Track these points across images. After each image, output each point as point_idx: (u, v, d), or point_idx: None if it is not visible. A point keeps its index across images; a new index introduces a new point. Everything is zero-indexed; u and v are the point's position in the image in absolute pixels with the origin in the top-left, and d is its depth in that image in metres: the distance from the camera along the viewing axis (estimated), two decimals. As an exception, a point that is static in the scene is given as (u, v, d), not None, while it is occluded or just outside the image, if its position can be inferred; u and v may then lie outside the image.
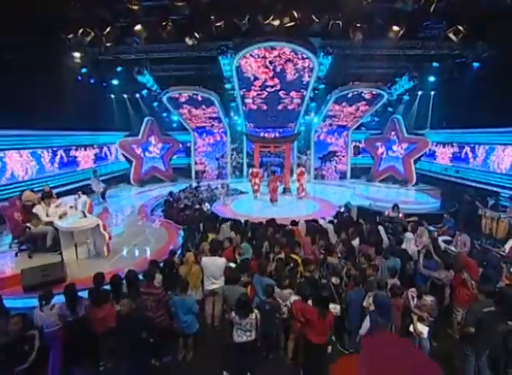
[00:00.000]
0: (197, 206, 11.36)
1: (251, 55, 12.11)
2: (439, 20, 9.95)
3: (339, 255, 6.71)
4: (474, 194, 12.97)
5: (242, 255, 6.55)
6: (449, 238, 9.11)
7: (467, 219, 11.13)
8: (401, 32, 9.68)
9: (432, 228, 10.00)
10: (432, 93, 16.89)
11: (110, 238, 7.72)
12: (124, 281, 5.16)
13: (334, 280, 5.36)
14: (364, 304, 5.12)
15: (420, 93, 17.14)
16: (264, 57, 12.17)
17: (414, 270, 6.65)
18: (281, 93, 15.33)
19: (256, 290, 5.43)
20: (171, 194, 13.45)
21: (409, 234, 7.52)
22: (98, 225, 7.56)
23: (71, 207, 8.53)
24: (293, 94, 15.40)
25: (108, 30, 9.61)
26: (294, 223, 8.25)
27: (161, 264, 6.05)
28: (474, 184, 13.66)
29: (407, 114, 17.62)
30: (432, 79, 15.05)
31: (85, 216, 7.61)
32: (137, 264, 7.02)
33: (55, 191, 11.18)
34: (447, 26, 9.95)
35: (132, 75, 13.79)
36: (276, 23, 9.42)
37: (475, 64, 13.16)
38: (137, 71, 12.99)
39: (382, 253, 6.40)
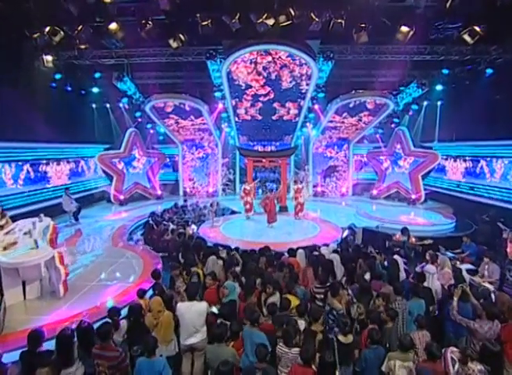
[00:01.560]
0: (182, 230, 10.19)
1: (243, 60, 11.27)
2: (454, 20, 9.20)
3: (349, 295, 5.58)
4: (494, 214, 12.05)
5: (226, 296, 5.40)
6: (472, 267, 8.13)
7: (487, 242, 10.16)
8: (411, 33, 8.89)
9: (449, 254, 8.98)
10: (439, 103, 16.19)
11: (67, 274, 6.53)
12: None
13: (342, 338, 4.22)
14: (384, 368, 4.00)
15: (425, 103, 16.40)
16: (257, 62, 11.33)
17: (441, 315, 5.55)
18: (276, 104, 14.53)
19: (244, 346, 4.28)
20: (153, 214, 12.30)
21: (431, 268, 6.42)
22: (53, 257, 6.38)
23: (25, 234, 7.32)
24: (289, 104, 14.61)
25: (79, 28, 8.69)
26: (292, 252, 7.14)
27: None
28: (492, 202, 12.70)
29: (412, 126, 16.82)
30: (439, 87, 14.34)
31: (37, 247, 6.42)
32: (97, 310, 5.80)
33: (15, 213, 10.06)
34: (462, 27, 9.19)
35: (113, 82, 12.93)
36: (270, 21, 8.59)
37: (488, 70, 12.46)
38: (117, 77, 12.07)
39: (403, 293, 5.31)
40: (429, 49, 12.33)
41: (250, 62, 11.40)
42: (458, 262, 8.10)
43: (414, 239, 9.64)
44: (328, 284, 5.58)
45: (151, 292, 5.94)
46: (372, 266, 6.33)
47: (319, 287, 5.58)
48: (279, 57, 11.15)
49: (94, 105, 17.15)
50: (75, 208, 12.35)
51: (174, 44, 10.27)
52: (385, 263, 7.15)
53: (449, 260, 7.33)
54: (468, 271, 7.38)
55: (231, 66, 11.61)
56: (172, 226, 10.70)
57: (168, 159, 19.25)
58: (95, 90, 14.79)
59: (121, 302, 5.87)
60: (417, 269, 7.42)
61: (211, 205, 13.73)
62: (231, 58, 10.99)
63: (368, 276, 6.22)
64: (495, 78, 12.71)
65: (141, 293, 5.51)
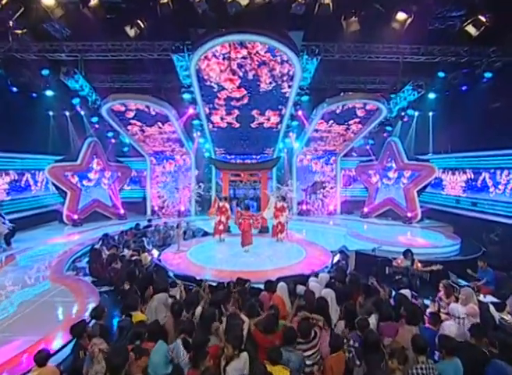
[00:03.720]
0: (136, 256, 8.34)
1: (214, 54, 9.91)
2: (457, 8, 8.19)
3: (351, 351, 3.95)
4: (503, 232, 10.85)
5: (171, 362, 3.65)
6: (495, 299, 6.75)
7: (502, 266, 8.88)
8: (408, 21, 7.79)
9: (462, 282, 7.58)
10: (431, 113, 15.33)
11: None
12: None
13: None
14: None
15: (417, 113, 15.49)
16: (231, 58, 9.97)
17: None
18: (254, 112, 13.19)
19: None
20: (105, 237, 10.43)
21: (458, 309, 4.85)
22: None
23: None
24: (269, 113, 13.30)
25: (3, 2, 7.08)
26: (270, 286, 5.48)
27: None
28: (498, 219, 11.50)
29: (404, 137, 15.80)
30: (432, 96, 13.44)
31: None
32: None
33: None
34: (466, 17, 8.20)
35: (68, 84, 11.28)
36: (244, 1, 7.31)
37: (487, 74, 11.60)
38: (66, 72, 10.39)
39: (427, 351, 3.71)
40: (424, 50, 11.44)
41: (223, 58, 10.03)
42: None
43: (419, 264, 8.18)
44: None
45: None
46: (380, 305, 4.73)
47: (303, 342, 3.93)
48: (257, 52, 9.84)
49: (51, 113, 15.48)
50: (7, 229, 10.32)
51: (131, 32, 8.91)
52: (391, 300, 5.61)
53: (474, 293, 5.84)
54: (495, 306, 5.98)
55: (201, 63, 10.20)
56: (125, 252, 8.86)
57: (134, 173, 17.48)
58: (49, 93, 13.12)
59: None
60: (433, 306, 5.93)
61: (178, 226, 11.98)
62: (200, 52, 9.58)
63: (372, 319, 4.61)
64: (493, 83, 11.91)
65: (42, 358, 3.68)
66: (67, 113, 15.37)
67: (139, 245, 9.88)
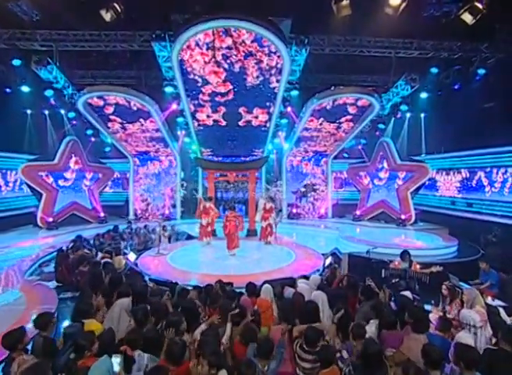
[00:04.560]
0: (108, 259, 7.50)
1: (197, 43, 9.27)
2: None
3: (347, 364, 3.25)
4: (501, 233, 10.37)
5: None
6: (503, 303, 6.17)
7: (503, 268, 8.33)
8: (403, 5, 7.29)
9: (464, 285, 6.99)
10: (423, 115, 14.99)
11: None
12: None
13: None
14: None
15: (409, 115, 15.12)
16: (215, 48, 9.35)
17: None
18: (242, 110, 12.57)
19: None
20: (79, 238, 9.56)
21: (471, 315, 4.10)
22: None
23: None
24: (257, 111, 12.69)
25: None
26: (253, 289, 4.76)
27: None
28: (495, 219, 11.03)
29: (396, 138, 15.35)
30: (424, 95, 13.06)
31: None
32: None
33: None
34: (462, 2, 7.77)
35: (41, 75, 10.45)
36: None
37: (480, 71, 11.24)
38: (37, 61, 9.58)
39: (441, 363, 3.03)
40: (416, 44, 11.05)
41: (207, 48, 9.41)
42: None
43: (418, 266, 7.56)
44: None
45: None
46: (380, 309, 4.04)
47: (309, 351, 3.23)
48: (243, 42, 9.24)
49: (28, 112, 14.60)
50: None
51: (107, 17, 8.20)
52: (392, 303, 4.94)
53: (480, 294, 5.22)
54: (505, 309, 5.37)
55: (183, 53, 9.55)
56: (99, 255, 8.02)
57: (117, 175, 16.61)
58: (25, 89, 12.24)
59: None
60: (436, 310, 5.29)
61: (162, 227, 11.26)
62: (183, 39, 8.91)
63: (372, 326, 3.93)
64: (486, 81, 11.56)
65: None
66: (46, 112, 14.56)
67: (114, 248, 9.03)
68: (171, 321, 3.54)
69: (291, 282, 5.43)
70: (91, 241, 10.26)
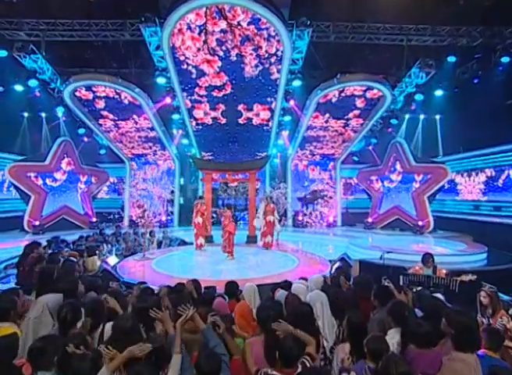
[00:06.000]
0: (77, 258, 6.45)
1: (189, 27, 8.45)
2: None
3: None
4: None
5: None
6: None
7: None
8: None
9: (504, 297, 5.70)
10: (438, 117, 13.90)
11: None
12: None
13: None
14: None
15: (422, 117, 14.02)
16: (208, 31, 8.51)
17: None
18: (241, 107, 11.67)
19: None
20: (55, 239, 8.55)
21: None
22: None
23: None
24: (257, 107, 11.77)
25: None
26: (232, 289, 3.61)
27: None
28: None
29: (410, 139, 14.17)
30: (439, 93, 11.98)
31: None
32: None
33: None
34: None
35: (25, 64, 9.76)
36: None
37: (504, 59, 10.12)
38: (20, 48, 8.87)
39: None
40: (431, 30, 10.04)
41: (199, 32, 8.58)
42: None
43: (444, 271, 6.24)
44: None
45: None
46: (402, 315, 2.83)
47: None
48: (239, 24, 8.39)
49: (26, 114, 14.16)
50: None
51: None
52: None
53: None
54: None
55: (174, 38, 8.75)
56: (64, 253, 6.95)
57: (115, 180, 15.82)
58: (19, 88, 11.61)
59: None
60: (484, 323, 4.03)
61: (150, 233, 10.32)
62: (173, 19, 8.12)
63: (393, 339, 2.73)
64: (508, 73, 10.43)
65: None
66: (43, 115, 14.03)
67: (91, 249, 7.96)
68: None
69: (286, 285, 4.26)
70: (70, 243, 9.28)
